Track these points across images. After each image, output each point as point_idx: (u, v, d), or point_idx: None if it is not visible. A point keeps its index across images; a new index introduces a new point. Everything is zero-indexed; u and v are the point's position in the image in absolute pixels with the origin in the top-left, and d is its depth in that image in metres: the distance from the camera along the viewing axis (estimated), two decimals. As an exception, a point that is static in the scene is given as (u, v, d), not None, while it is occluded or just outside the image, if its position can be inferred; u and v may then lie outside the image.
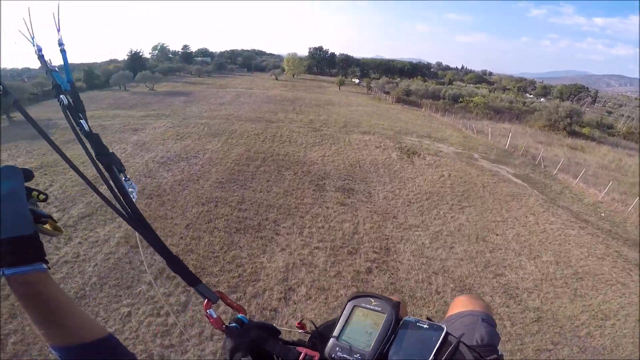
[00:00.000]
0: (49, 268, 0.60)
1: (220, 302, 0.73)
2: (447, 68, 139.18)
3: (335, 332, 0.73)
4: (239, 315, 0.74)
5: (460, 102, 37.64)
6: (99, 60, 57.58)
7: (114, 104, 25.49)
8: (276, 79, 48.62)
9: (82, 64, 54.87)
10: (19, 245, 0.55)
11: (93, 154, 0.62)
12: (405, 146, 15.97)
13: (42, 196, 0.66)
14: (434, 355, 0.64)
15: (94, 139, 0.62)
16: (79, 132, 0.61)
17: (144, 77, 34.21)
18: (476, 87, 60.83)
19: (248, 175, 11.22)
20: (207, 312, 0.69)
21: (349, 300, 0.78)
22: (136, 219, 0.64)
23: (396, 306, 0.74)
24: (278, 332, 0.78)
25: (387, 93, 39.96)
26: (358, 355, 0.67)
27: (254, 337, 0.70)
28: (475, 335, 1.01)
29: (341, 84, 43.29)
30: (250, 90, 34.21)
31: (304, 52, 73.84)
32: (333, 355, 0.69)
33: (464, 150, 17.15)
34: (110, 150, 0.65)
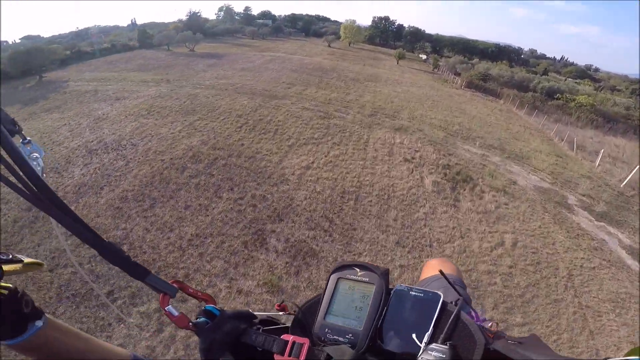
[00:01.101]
0: (46, 315, 0.53)
1: (180, 293, 0.61)
2: (543, 57, 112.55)
3: (322, 311, 0.66)
4: (207, 306, 0.64)
5: (557, 99, 27.17)
6: (166, 21, 57.07)
7: (141, 64, 22.15)
8: (329, 45, 42.25)
9: (151, 24, 54.54)
10: None
11: None
12: (456, 164, 9.78)
13: None
14: (433, 326, 0.59)
15: None
16: None
17: (184, 38, 31.07)
18: (577, 83, 46.75)
19: (169, 191, 6.61)
20: (165, 310, 0.57)
21: (332, 273, 0.70)
22: (44, 197, 0.45)
23: (385, 274, 0.67)
24: (254, 317, 0.70)
25: (458, 75, 31.48)
26: (350, 334, 0.61)
27: (228, 330, 0.62)
28: (449, 298, 0.82)
29: (400, 57, 35.44)
30: (290, 55, 28.89)
31: (368, 21, 65.16)
32: (322, 338, 0.63)
33: (554, 183, 10.10)
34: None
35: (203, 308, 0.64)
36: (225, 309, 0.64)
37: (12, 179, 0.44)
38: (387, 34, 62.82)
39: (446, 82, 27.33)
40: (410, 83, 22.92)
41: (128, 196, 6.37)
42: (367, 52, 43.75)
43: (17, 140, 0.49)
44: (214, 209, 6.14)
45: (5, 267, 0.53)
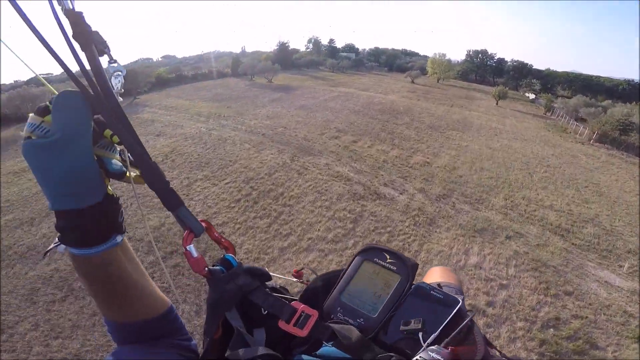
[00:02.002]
0: (126, 233, 0.52)
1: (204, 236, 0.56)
2: None
3: (338, 288, 0.63)
4: (227, 255, 0.60)
5: None
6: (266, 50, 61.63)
7: (217, 94, 22.15)
8: (412, 81, 37.70)
9: (257, 52, 59.39)
10: (87, 217, 0.45)
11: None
12: (572, 318, 4.93)
13: (116, 138, 0.49)
14: (442, 328, 0.56)
15: (74, 18, 0.42)
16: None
17: (264, 68, 30.91)
18: None
19: None
20: (186, 249, 0.53)
21: (360, 252, 0.66)
22: (107, 103, 0.45)
23: (414, 268, 0.64)
24: (269, 277, 0.64)
25: (581, 121, 23.21)
26: (362, 319, 0.58)
27: (241, 284, 0.56)
28: None
29: (501, 96, 28.45)
30: (361, 92, 25.54)
31: (461, 56, 58.32)
32: (332, 316, 0.60)
33: None
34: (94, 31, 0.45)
35: (223, 256, 0.59)
36: (242, 262, 0.60)
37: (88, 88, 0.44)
38: (484, 69, 54.80)
39: (565, 133, 19.84)
40: (513, 133, 16.77)
41: None
42: (458, 89, 37.63)
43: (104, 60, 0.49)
44: None
45: (134, 174, 0.53)
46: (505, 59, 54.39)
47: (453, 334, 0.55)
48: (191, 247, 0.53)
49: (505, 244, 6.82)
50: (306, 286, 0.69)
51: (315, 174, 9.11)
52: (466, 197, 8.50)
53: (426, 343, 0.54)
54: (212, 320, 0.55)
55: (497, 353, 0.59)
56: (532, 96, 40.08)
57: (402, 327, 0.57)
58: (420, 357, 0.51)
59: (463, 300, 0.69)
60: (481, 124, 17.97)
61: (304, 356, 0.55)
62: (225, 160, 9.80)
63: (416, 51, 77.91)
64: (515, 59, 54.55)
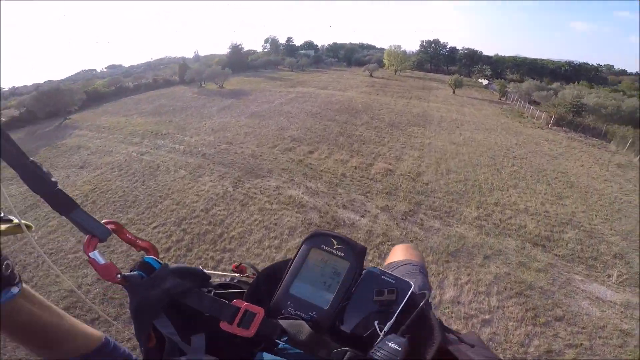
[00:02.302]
0: (24, 283, 0.49)
1: (115, 238, 0.53)
2: (623, 73, 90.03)
3: (286, 281, 0.57)
4: (147, 258, 0.53)
5: None
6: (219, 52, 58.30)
7: (159, 106, 19.54)
8: (370, 75, 37.08)
9: (212, 55, 55.76)
10: None
11: None
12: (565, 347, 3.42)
13: None
14: (397, 314, 0.54)
15: None
16: None
17: (213, 74, 28.32)
18: None
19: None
20: (89, 256, 0.47)
21: (306, 240, 0.61)
22: None
23: (362, 252, 0.60)
24: (207, 277, 0.59)
25: (536, 104, 23.64)
26: (314, 312, 0.54)
27: (168, 288, 0.50)
28: (415, 284, 0.78)
29: (457, 86, 28.50)
30: (320, 91, 24.20)
31: (416, 47, 59.08)
32: (282, 311, 0.55)
33: None
34: None
35: (141, 259, 0.52)
36: (168, 263, 0.52)
37: None
38: (438, 59, 55.78)
39: (523, 118, 19.81)
40: (474, 124, 16.23)
41: None
42: (415, 80, 37.53)
43: None
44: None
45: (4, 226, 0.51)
46: (457, 48, 55.66)
47: (408, 321, 0.53)
48: (95, 254, 0.47)
49: (484, 267, 5.79)
50: (251, 282, 0.63)
51: (262, 202, 7.58)
52: (435, 211, 7.41)
53: (383, 332, 0.52)
54: (139, 330, 0.49)
55: (455, 337, 0.58)
56: (485, 82, 41.10)
57: (375, 298, 0.55)
58: (377, 347, 0.48)
59: (427, 277, 0.71)
60: (441, 116, 17.32)
61: (264, 354, 0.48)
62: (155, 197, 7.97)
63: (373, 44, 78.10)
64: (467, 47, 56.13)
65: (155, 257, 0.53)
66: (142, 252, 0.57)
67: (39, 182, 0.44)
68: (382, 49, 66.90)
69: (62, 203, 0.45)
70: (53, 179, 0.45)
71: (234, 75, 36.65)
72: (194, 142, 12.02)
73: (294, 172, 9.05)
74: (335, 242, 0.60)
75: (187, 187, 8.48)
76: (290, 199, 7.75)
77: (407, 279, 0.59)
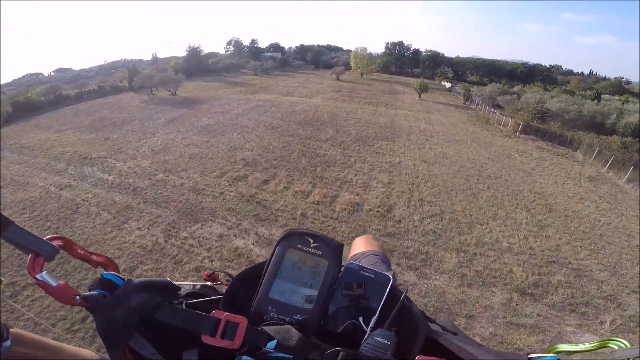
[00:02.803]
0: (12, 328, 0.44)
1: (65, 256, 0.47)
2: (570, 72, 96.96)
3: (265, 285, 0.54)
4: (106, 274, 0.47)
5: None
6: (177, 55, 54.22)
7: (98, 119, 16.88)
8: (337, 78, 35.97)
9: (171, 58, 51.49)
10: None
11: None
12: None
13: None
14: (380, 310, 0.54)
15: None
16: None
17: (164, 80, 25.46)
18: (620, 100, 36.22)
19: None
20: (37, 278, 0.41)
21: (281, 240, 0.58)
22: None
23: (339, 249, 0.58)
24: (176, 288, 0.55)
25: (499, 108, 23.69)
26: (298, 315, 0.52)
27: (136, 305, 0.45)
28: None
29: (423, 90, 28.09)
30: (284, 98, 22.53)
31: (381, 48, 58.86)
32: (265, 317, 0.52)
33: None
34: None
35: (100, 276, 0.47)
36: (131, 278, 0.48)
37: None
38: (402, 61, 56.09)
39: (489, 124, 19.52)
40: (444, 134, 15.43)
41: None
42: (381, 83, 36.98)
43: None
44: None
45: None
46: (420, 50, 56.35)
47: (392, 314, 0.52)
48: (44, 275, 0.41)
49: (467, 329, 4.65)
50: (226, 289, 0.59)
51: (201, 258, 5.93)
52: (410, 259, 6.15)
53: (369, 327, 0.52)
54: (112, 353, 0.45)
55: (439, 327, 0.57)
56: (448, 85, 41.58)
57: (344, 292, 0.55)
58: (366, 344, 0.48)
59: (394, 275, 0.69)
60: (410, 126, 16.38)
61: (243, 357, 0.46)
62: (63, 253, 5.93)
63: (340, 46, 77.39)
64: (429, 49, 57.01)
65: (115, 273, 0.48)
66: (100, 268, 0.51)
67: None
68: (348, 51, 66.47)
69: None
70: None
71: (191, 79, 33.80)
72: (127, 169, 9.95)
73: (243, 213, 7.40)
74: (311, 241, 0.58)
75: (109, 238, 6.61)
76: (236, 252, 6.15)
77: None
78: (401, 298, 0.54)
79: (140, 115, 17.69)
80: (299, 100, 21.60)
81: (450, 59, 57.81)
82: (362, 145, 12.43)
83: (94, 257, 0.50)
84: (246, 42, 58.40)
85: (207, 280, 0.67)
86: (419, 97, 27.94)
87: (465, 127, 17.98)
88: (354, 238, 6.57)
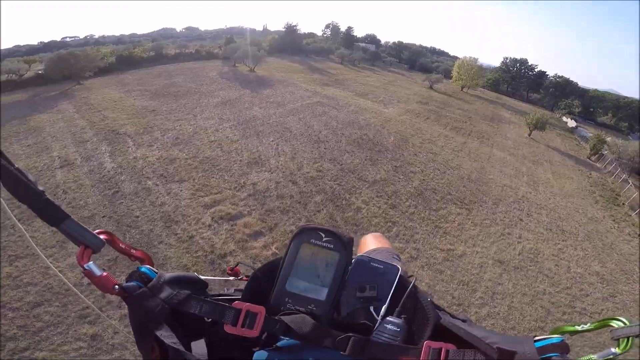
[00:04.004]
0: None
1: (109, 249, 0.49)
2: None
3: (281, 278, 0.57)
4: (142, 267, 0.52)
5: None
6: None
7: (164, 86, 16.63)
8: (430, 86, 30.61)
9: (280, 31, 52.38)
10: None
11: None
12: None
13: None
14: (391, 298, 0.57)
15: None
16: None
17: (244, 54, 24.60)
18: None
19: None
20: (84, 267, 0.45)
21: (295, 236, 0.61)
22: None
23: (350, 243, 0.60)
24: (204, 284, 0.59)
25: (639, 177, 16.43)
26: (312, 305, 0.54)
27: (166, 297, 0.48)
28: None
29: (539, 127, 21.17)
30: (356, 99, 19.20)
31: (495, 62, 49.93)
32: (282, 308, 0.55)
33: None
34: None
35: (136, 269, 0.51)
36: (164, 272, 0.52)
37: None
38: (520, 81, 46.18)
39: (618, 206, 13.20)
40: (548, 215, 10.31)
41: None
42: (484, 103, 30.38)
43: None
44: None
45: None
46: (547, 73, 45.48)
47: (402, 302, 0.55)
48: (90, 265, 0.45)
49: None
50: (247, 282, 0.62)
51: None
52: None
53: (380, 316, 0.54)
54: (141, 341, 0.47)
55: (448, 315, 0.58)
56: (571, 123, 32.26)
57: (357, 294, 0.57)
58: (378, 331, 0.51)
59: (400, 259, 0.70)
60: (504, 186, 11.65)
61: (262, 351, 0.50)
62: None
63: (446, 51, 68.11)
64: (559, 74, 45.51)
65: (150, 267, 0.52)
66: (137, 261, 0.55)
67: (25, 191, 0.40)
68: (455, 57, 57.90)
69: (52, 214, 0.43)
70: (40, 188, 0.42)
71: (281, 57, 32.78)
72: (127, 162, 8.47)
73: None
74: (323, 235, 0.60)
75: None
76: None
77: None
78: (409, 287, 0.57)
79: (206, 88, 16.79)
80: (371, 106, 18.08)
81: (583, 91, 45.32)
82: (421, 205, 8.76)
83: (134, 252, 0.54)
84: (343, 28, 55.11)
85: (230, 275, 0.69)
86: (528, 135, 21.52)
87: (583, 204, 12.33)
88: None
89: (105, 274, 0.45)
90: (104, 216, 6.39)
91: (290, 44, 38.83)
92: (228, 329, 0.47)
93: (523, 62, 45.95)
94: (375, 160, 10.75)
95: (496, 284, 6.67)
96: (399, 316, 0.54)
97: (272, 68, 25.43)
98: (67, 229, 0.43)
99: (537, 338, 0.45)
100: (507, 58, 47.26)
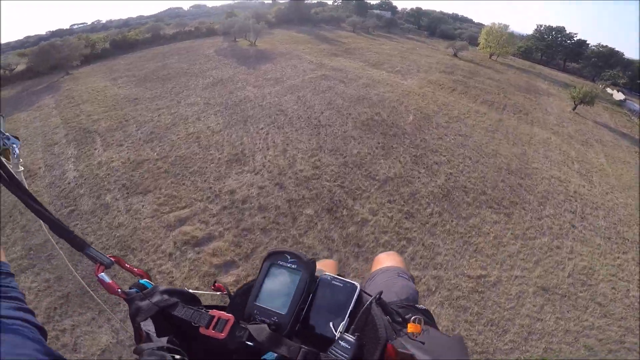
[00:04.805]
0: None
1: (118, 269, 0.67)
2: None
3: (253, 295, 0.67)
4: (142, 281, 0.68)
5: None
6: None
7: (156, 69, 15.13)
8: (454, 54, 27.05)
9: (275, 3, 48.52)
10: None
11: None
12: None
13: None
14: (349, 316, 0.62)
15: None
16: None
17: (243, 28, 22.32)
18: None
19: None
20: (98, 277, 0.64)
21: (265, 259, 0.71)
22: (10, 179, 0.58)
23: (311, 263, 0.68)
24: (196, 299, 0.70)
25: None
26: (275, 317, 0.62)
27: (157, 301, 0.62)
28: (393, 289, 0.96)
29: (586, 101, 17.96)
30: (367, 71, 16.66)
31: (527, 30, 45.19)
32: (252, 318, 0.64)
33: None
34: None
35: (137, 281, 0.67)
36: (160, 285, 0.66)
37: None
38: (555, 50, 40.91)
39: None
40: (607, 216, 8.07)
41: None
42: (517, 72, 26.71)
43: None
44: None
45: None
46: (587, 42, 39.91)
47: (356, 320, 0.60)
48: (103, 275, 0.64)
49: None
50: (230, 299, 0.72)
51: None
52: None
53: (338, 332, 0.59)
54: (135, 333, 0.61)
55: (406, 336, 0.61)
56: (619, 95, 27.98)
57: (316, 318, 0.64)
58: (332, 347, 0.55)
59: (412, 281, 0.84)
60: (551, 177, 9.31)
61: (268, 354, 0.57)
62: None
63: (469, 17, 61.23)
64: (603, 43, 39.58)
65: (148, 280, 0.67)
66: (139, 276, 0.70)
67: (60, 230, 0.60)
68: (480, 25, 51.82)
69: (78, 243, 0.63)
70: (70, 228, 0.61)
71: (287, 28, 30.04)
72: (90, 168, 7.07)
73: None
74: (288, 257, 0.68)
75: None
76: None
77: (382, 286, 0.69)
78: (365, 305, 0.62)
79: (199, 68, 15.08)
80: (386, 78, 15.67)
81: (629, 62, 38.95)
82: (447, 211, 6.87)
83: (136, 270, 0.69)
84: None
85: (214, 290, 0.77)
86: (574, 108, 18.42)
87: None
88: None
89: (112, 281, 0.63)
90: (57, 242, 5.05)
91: (298, 14, 35.72)
92: (202, 330, 0.58)
93: (560, 30, 40.48)
94: (389, 148, 8.79)
95: (535, 320, 4.93)
96: (352, 334, 0.57)
97: (276, 40, 23.09)
98: (89, 253, 0.63)
99: None
100: (541, 26, 41.96)
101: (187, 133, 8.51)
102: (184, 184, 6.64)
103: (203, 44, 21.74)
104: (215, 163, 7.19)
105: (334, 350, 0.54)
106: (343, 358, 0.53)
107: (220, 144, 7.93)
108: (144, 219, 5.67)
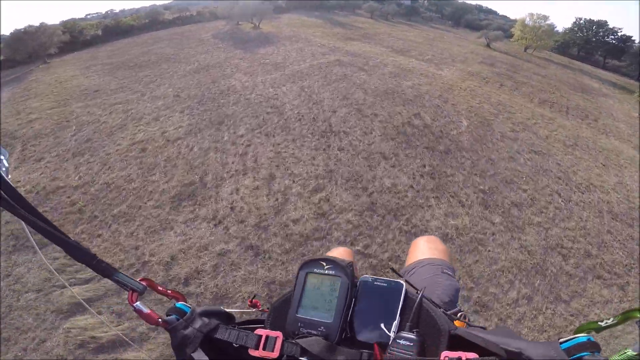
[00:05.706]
0: None
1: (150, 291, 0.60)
2: None
3: (293, 306, 0.63)
4: (178, 304, 0.62)
5: None
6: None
7: (139, 54, 12.77)
8: (488, 45, 23.38)
9: None
10: None
11: None
12: None
13: None
14: (399, 314, 0.59)
15: None
16: None
17: (244, 9, 19.37)
18: None
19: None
20: (134, 307, 0.58)
21: (300, 268, 0.67)
22: (10, 197, 0.49)
23: (350, 266, 0.65)
24: (231, 317, 0.67)
25: None
26: (322, 327, 0.59)
27: (200, 326, 0.58)
28: (436, 290, 0.89)
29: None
30: (394, 58, 13.11)
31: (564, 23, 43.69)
32: (296, 332, 0.61)
33: None
34: None
35: (173, 305, 0.62)
36: (196, 306, 0.61)
37: None
38: (594, 45, 36.70)
39: None
40: None
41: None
42: (560, 68, 22.92)
43: None
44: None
45: None
46: (633, 37, 35.92)
47: (411, 316, 0.58)
48: (139, 304, 0.57)
49: None
50: (267, 314, 0.69)
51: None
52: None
53: (392, 332, 0.57)
54: None
55: (464, 324, 0.58)
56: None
57: (363, 322, 0.61)
58: (391, 348, 0.53)
59: (454, 275, 0.73)
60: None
61: None
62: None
63: (494, 9, 56.56)
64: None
65: (184, 302, 0.62)
66: (174, 300, 0.64)
67: (81, 255, 0.52)
68: (504, 17, 46.92)
69: (104, 269, 0.55)
70: (92, 252, 0.53)
71: (299, 12, 26.70)
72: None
73: None
74: (324, 264, 0.65)
75: None
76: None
77: (424, 282, 0.64)
78: (417, 301, 0.59)
79: (186, 53, 12.35)
80: (418, 67, 12.30)
81: None
82: (539, 289, 3.80)
83: (170, 292, 0.64)
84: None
85: (250, 307, 0.78)
86: (640, 113, 14.88)
87: None
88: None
89: (149, 311, 0.56)
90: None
91: (309, -2, 32.29)
92: (252, 352, 0.55)
93: (602, 24, 36.11)
94: (441, 176, 5.62)
95: None
96: (410, 330, 0.56)
97: (284, 24, 19.99)
98: (117, 279, 0.55)
99: (562, 340, 0.45)
100: (580, 19, 37.71)
101: (131, 141, 5.52)
102: (99, 235, 3.69)
103: (203, 28, 19.21)
104: (155, 200, 4.19)
105: (395, 350, 0.52)
106: (409, 355, 0.51)
107: (171, 162, 4.91)
108: (26, 293, 2.80)
